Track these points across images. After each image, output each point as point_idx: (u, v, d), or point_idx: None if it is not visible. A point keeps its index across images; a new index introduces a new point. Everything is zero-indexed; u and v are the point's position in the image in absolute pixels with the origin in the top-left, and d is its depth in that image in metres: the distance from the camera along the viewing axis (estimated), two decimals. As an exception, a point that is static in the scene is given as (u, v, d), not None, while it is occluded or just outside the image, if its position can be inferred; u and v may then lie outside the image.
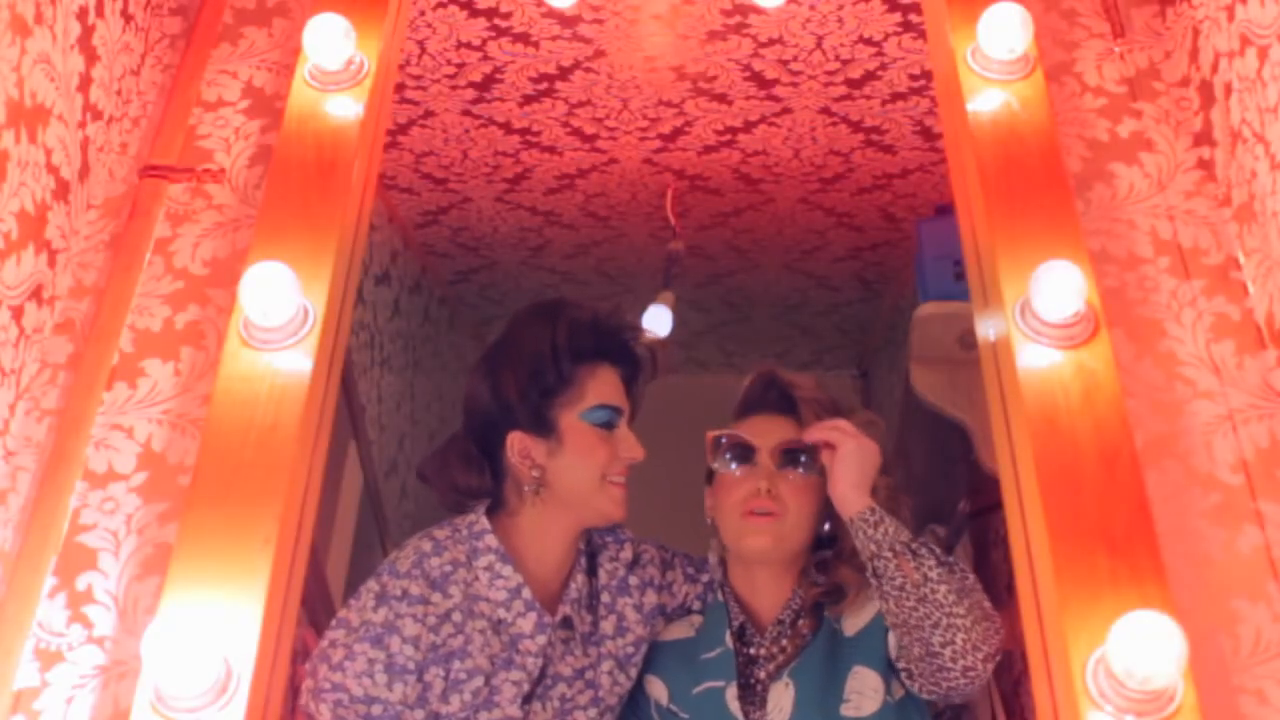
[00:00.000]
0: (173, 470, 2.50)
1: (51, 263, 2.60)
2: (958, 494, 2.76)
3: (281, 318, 2.35)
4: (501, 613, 2.59)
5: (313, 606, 2.94)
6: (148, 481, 2.50)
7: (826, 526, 2.75)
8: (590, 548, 2.78)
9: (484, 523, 2.66)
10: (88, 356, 2.60)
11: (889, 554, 2.52)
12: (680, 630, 2.81)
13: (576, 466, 2.68)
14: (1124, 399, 2.28)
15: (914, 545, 2.51)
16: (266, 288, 2.33)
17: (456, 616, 2.54)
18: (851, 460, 2.64)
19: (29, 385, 2.54)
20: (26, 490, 2.45)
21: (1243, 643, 2.26)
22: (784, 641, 2.71)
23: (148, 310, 2.69)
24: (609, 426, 2.70)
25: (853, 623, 2.69)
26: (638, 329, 2.86)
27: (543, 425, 2.68)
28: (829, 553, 2.75)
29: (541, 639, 2.60)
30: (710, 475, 2.86)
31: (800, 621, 2.72)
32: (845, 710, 2.61)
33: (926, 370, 3.59)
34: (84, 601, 2.37)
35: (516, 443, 2.68)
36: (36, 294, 2.54)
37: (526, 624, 2.60)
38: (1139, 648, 1.90)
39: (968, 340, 2.86)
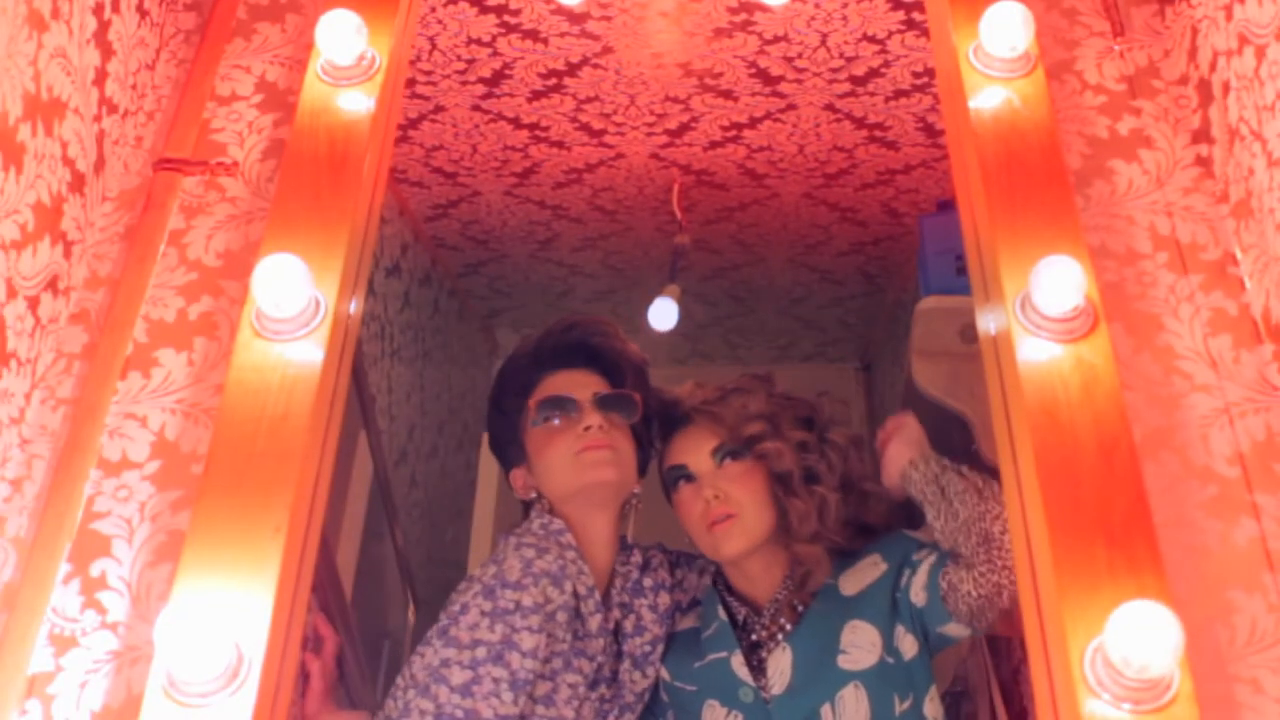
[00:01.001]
0: (185, 459, 2.52)
1: (67, 254, 2.63)
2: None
3: (293, 309, 2.36)
4: (583, 607, 2.63)
5: (323, 594, 2.96)
6: (161, 470, 2.51)
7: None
8: None
9: (558, 522, 2.71)
10: (102, 346, 2.62)
11: (953, 473, 2.65)
12: (687, 621, 2.85)
13: (544, 469, 2.76)
14: (1122, 392, 2.29)
15: (966, 465, 2.67)
16: (278, 279, 2.34)
17: (561, 616, 2.55)
18: (904, 437, 2.78)
19: (44, 374, 2.56)
20: (42, 478, 2.47)
21: (1238, 632, 2.27)
22: (781, 619, 2.74)
23: (161, 301, 2.71)
24: (559, 416, 2.76)
25: (852, 584, 2.73)
26: (562, 324, 2.93)
27: (520, 455, 2.82)
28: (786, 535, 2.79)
29: (602, 641, 2.63)
30: (669, 496, 2.91)
31: (795, 599, 2.75)
32: (842, 662, 2.65)
33: (928, 363, 3.60)
34: (98, 588, 2.38)
35: (514, 480, 2.84)
36: (52, 285, 2.56)
37: (593, 624, 2.63)
38: (1136, 637, 1.92)
39: (969, 334, 2.87)
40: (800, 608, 2.74)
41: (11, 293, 2.40)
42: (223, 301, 2.71)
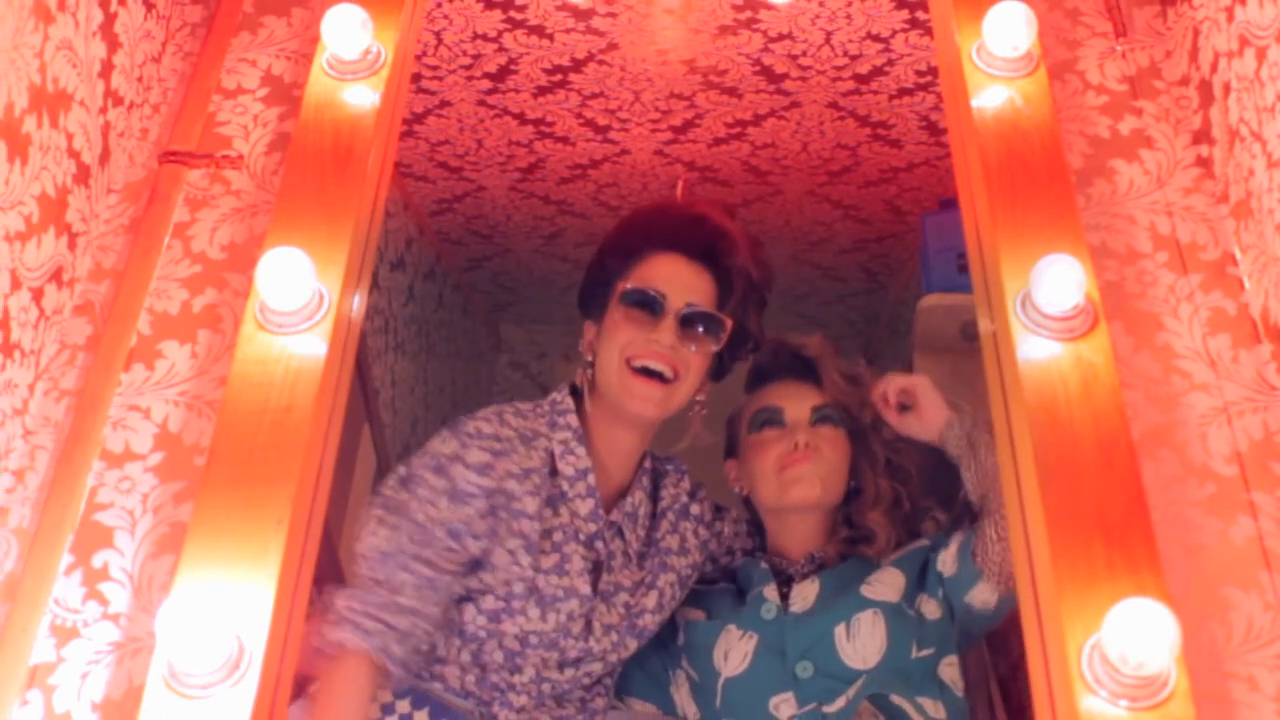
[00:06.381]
0: (189, 451, 2.52)
1: (72, 245, 2.63)
2: (958, 482, 2.78)
3: (297, 302, 2.37)
4: (565, 486, 2.64)
5: (325, 588, 2.97)
6: (164, 461, 2.52)
7: (852, 482, 2.87)
8: (654, 472, 2.82)
9: (568, 402, 2.72)
10: (106, 338, 2.62)
11: (980, 429, 2.68)
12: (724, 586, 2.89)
13: (603, 348, 2.71)
14: (1122, 391, 2.30)
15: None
16: (283, 272, 2.35)
17: (536, 479, 2.58)
18: (931, 395, 2.80)
19: (48, 366, 2.57)
20: (45, 469, 2.48)
21: (1235, 630, 2.28)
22: (810, 577, 2.79)
23: (166, 293, 2.72)
24: (643, 308, 2.68)
25: (881, 579, 2.76)
26: (694, 210, 2.84)
27: (600, 312, 2.76)
28: (852, 506, 2.86)
29: (593, 526, 2.64)
30: (731, 448, 2.91)
31: (828, 557, 2.83)
32: (865, 590, 2.71)
33: (930, 360, 3.60)
34: (100, 579, 2.39)
35: (586, 331, 2.78)
36: (57, 276, 2.57)
37: (583, 507, 2.64)
38: (1133, 634, 1.92)
39: (970, 331, 2.89)
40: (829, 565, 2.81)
41: (16, 284, 2.41)
42: (227, 294, 2.72)
